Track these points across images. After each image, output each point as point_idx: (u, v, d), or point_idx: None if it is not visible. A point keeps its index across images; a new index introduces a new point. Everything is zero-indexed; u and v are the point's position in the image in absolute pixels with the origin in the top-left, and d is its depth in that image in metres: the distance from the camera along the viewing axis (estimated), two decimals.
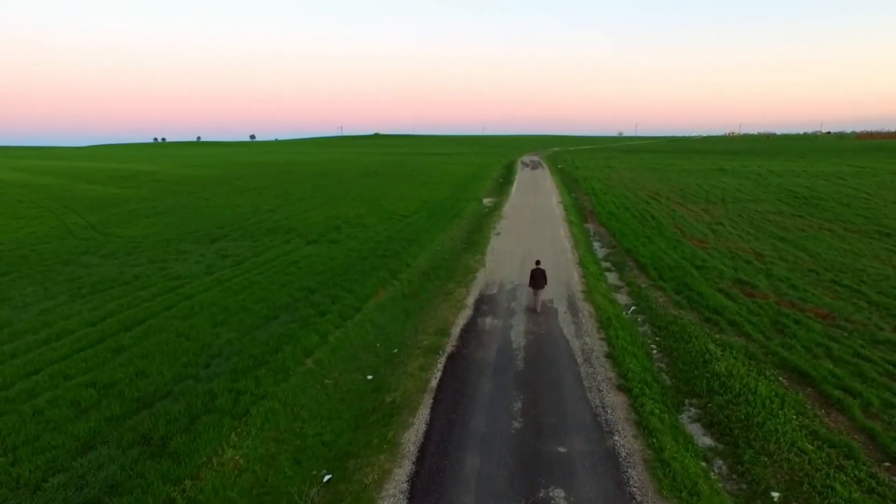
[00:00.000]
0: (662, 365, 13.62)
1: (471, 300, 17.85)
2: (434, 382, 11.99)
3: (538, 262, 17.30)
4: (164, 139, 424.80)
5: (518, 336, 14.53)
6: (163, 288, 19.46)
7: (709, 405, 11.38)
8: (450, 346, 13.98)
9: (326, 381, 12.77)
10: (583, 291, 18.65)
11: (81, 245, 28.05)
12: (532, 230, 30.28)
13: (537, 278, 16.56)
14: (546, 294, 17.48)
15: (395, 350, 14.46)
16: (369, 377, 13.08)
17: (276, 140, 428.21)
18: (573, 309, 16.77)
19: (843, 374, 12.67)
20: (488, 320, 15.85)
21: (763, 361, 13.50)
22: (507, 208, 38.78)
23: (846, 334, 15.42)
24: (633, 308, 17.83)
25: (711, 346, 13.88)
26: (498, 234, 29.45)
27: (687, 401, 11.77)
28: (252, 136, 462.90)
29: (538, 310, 16.67)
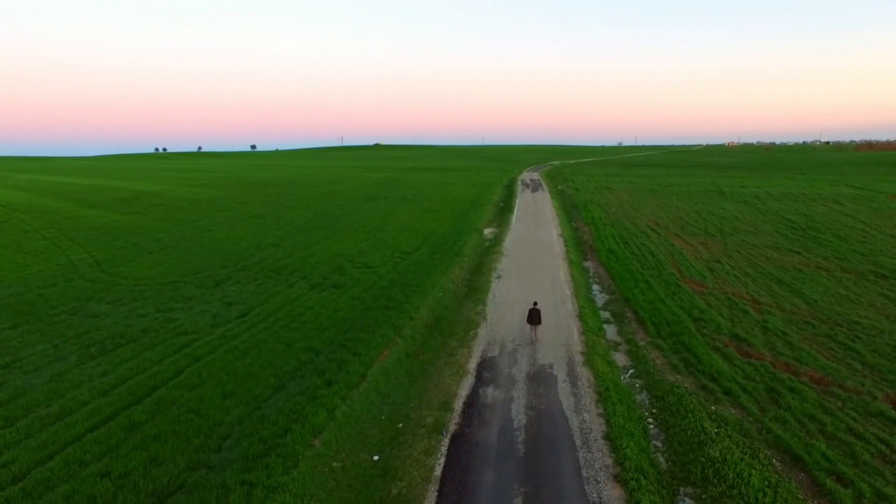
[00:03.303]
0: (658, 443, 14.01)
1: (473, 364, 18.27)
2: (438, 471, 12.38)
3: (535, 304, 20.86)
4: (165, 149, 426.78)
5: (519, 412, 14.92)
6: (170, 347, 19.85)
7: (703, 496, 11.76)
8: (453, 425, 14.39)
9: (335, 463, 13.16)
10: (582, 353, 19.06)
11: (88, 288, 28.47)
12: (533, 272, 30.71)
13: (534, 316, 20.16)
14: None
15: (400, 425, 14.86)
16: (376, 458, 13.46)
17: (277, 150, 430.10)
18: (572, 376, 17.17)
19: (835, 457, 13.03)
20: (490, 391, 16.25)
21: (757, 440, 13.87)
22: (508, 243, 39.25)
23: (840, 404, 15.80)
24: (631, 371, 18.24)
25: (707, 424, 14.26)
26: (499, 276, 29.89)
27: (682, 489, 12.15)
28: (253, 147, 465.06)
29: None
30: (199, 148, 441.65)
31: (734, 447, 13.32)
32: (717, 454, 12.91)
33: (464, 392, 16.26)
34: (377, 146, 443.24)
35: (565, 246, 38.38)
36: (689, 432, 14.03)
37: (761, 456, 13.15)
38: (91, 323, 22.83)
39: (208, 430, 14.07)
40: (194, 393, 16.13)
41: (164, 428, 14.09)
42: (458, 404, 15.55)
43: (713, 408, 15.52)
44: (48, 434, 13.97)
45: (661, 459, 13.25)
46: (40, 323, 22.90)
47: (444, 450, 13.25)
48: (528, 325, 20.48)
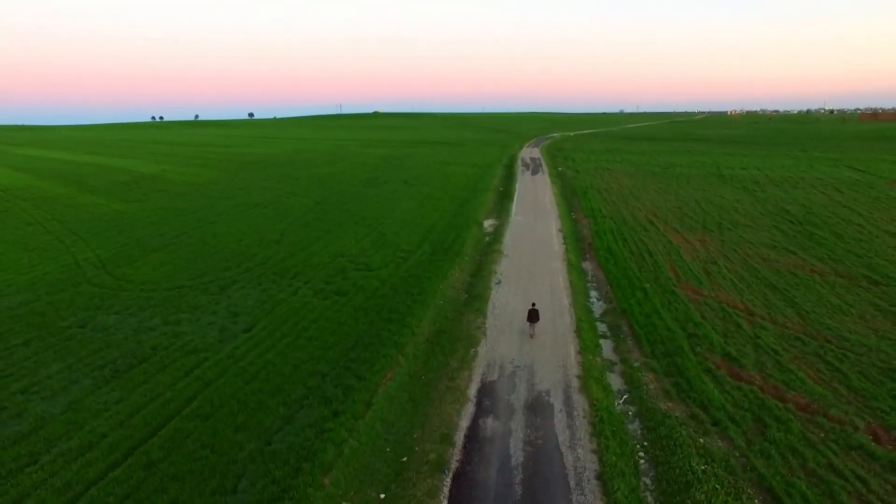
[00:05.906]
0: (648, 481, 14.84)
1: (473, 390, 19.02)
2: None
3: (533, 304, 23.68)
4: (161, 118, 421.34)
5: (517, 448, 15.72)
6: (181, 369, 20.55)
7: None
8: (454, 461, 15.20)
9: (344, 503, 13.99)
10: (578, 377, 19.80)
11: (96, 295, 29.03)
12: (532, 276, 31.28)
13: (533, 316, 22.93)
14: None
15: (405, 459, 15.67)
16: (382, 496, 14.30)
17: (276, 118, 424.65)
18: (568, 405, 17.94)
19: (814, 499, 13.87)
20: (489, 422, 17.03)
21: (741, 478, 14.69)
22: (508, 240, 39.70)
23: (822, 435, 16.60)
24: (625, 397, 19.00)
25: (694, 462, 15.05)
26: (499, 281, 30.47)
27: None
28: (251, 115, 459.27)
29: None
30: (196, 116, 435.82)
31: (719, 488, 14.14)
32: (703, 497, 13.73)
33: (464, 423, 17.03)
34: (376, 114, 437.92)
35: (564, 243, 38.83)
36: (677, 470, 14.83)
37: (744, 497, 13.98)
38: (102, 338, 23.48)
39: (223, 468, 14.86)
40: (207, 424, 16.88)
41: (182, 467, 14.87)
42: (460, 437, 16.33)
43: (701, 440, 16.30)
44: (71, 473, 14.75)
45: (651, 500, 14.09)
46: (52, 338, 23.53)
47: (446, 491, 14.06)
48: (528, 323, 23.38)
